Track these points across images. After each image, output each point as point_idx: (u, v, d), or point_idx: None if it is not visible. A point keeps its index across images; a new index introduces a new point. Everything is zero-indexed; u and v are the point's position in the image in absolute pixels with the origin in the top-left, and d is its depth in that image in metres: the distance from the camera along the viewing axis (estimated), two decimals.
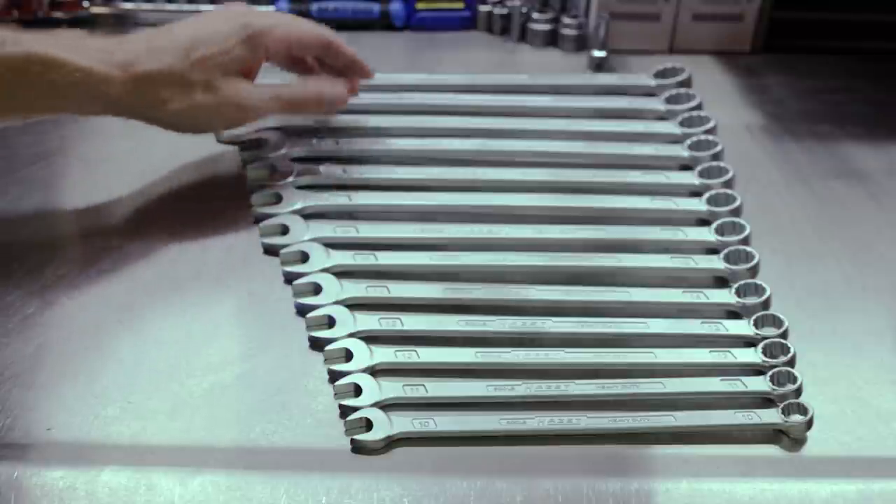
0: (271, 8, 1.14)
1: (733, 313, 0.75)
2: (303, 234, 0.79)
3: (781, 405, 0.66)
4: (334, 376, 0.68)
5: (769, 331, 0.72)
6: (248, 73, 0.83)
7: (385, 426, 0.64)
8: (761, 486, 0.62)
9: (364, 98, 0.91)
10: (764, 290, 0.75)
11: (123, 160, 0.89)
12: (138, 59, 0.75)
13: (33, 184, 0.86)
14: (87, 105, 0.75)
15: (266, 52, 0.82)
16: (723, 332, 0.73)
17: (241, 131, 0.89)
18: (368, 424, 0.64)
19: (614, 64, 1.09)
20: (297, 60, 0.87)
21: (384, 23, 1.15)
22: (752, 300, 0.74)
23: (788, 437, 0.66)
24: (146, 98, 0.76)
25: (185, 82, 0.77)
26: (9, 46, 0.70)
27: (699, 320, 0.74)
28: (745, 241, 0.80)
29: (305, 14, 1.12)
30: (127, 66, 0.75)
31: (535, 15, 1.14)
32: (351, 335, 0.70)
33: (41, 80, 0.71)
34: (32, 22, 1.09)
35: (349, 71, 0.87)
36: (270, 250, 0.78)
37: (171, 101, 0.77)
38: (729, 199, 0.84)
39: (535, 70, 1.05)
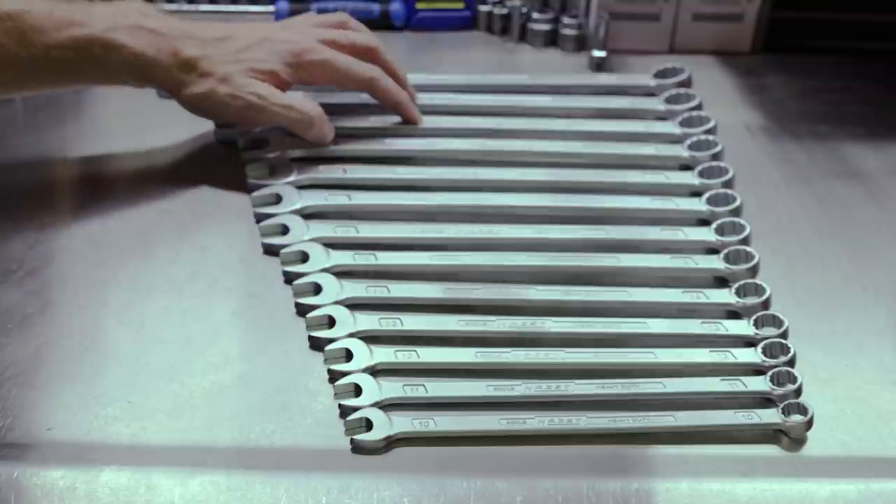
0: (270, 7, 1.14)
1: (733, 313, 0.75)
2: (303, 234, 0.79)
3: (781, 405, 0.66)
4: (334, 376, 0.68)
5: (769, 331, 0.72)
6: (282, 86, 0.84)
7: (385, 426, 0.64)
8: (761, 486, 0.62)
9: (365, 98, 0.91)
10: (764, 290, 0.75)
11: (123, 160, 0.89)
12: (186, 45, 0.81)
13: (33, 183, 0.86)
14: (134, 82, 0.82)
15: (310, 79, 0.86)
16: (723, 332, 0.73)
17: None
18: (368, 424, 0.64)
19: (614, 64, 1.08)
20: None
21: (384, 23, 1.15)
22: (752, 300, 0.74)
23: (788, 437, 0.66)
24: (178, 77, 0.81)
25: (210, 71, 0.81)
26: (75, 29, 0.78)
27: (699, 320, 0.73)
28: (745, 241, 0.80)
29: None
30: (176, 52, 0.80)
31: (535, 15, 1.14)
32: (351, 335, 0.70)
33: (100, 60, 0.79)
34: None
35: (396, 111, 0.90)
36: (270, 250, 0.78)
37: (190, 84, 0.81)
38: (729, 199, 0.84)
39: (535, 70, 1.05)
